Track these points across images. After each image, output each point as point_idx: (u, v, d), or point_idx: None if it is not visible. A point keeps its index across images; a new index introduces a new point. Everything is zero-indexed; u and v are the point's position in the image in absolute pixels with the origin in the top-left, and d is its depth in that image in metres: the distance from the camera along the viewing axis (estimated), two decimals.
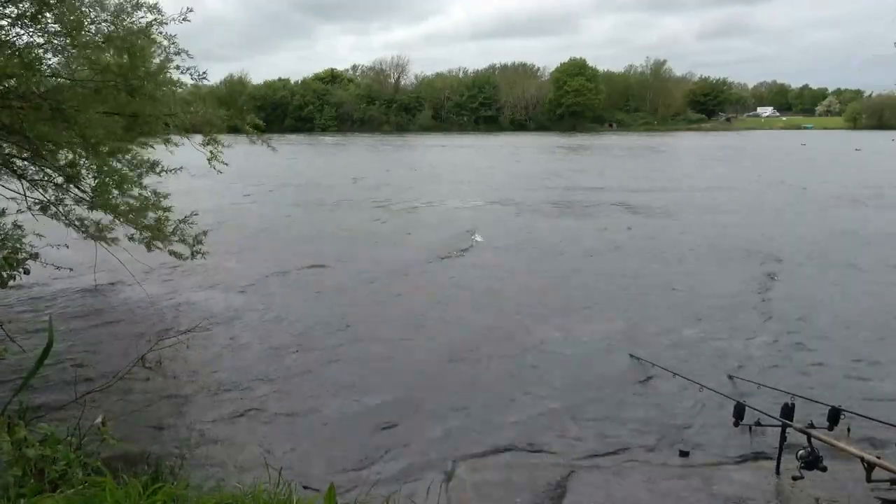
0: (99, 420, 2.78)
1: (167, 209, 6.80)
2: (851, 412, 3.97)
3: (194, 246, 6.81)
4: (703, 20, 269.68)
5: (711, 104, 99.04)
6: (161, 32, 5.70)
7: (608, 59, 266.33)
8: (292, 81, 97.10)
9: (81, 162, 6.24)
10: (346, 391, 5.66)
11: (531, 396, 5.54)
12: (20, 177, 6.30)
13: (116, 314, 7.88)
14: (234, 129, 6.75)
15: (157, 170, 6.62)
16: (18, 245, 4.62)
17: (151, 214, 6.62)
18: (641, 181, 23.82)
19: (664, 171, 29.56)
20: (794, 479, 3.84)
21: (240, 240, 12.67)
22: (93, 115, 5.20)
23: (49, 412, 4.48)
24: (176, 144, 7.00)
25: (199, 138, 6.77)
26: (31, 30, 4.95)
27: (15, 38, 4.95)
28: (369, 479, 4.14)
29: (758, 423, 4.08)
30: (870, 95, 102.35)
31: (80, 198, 6.48)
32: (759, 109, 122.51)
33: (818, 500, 3.92)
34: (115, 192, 6.27)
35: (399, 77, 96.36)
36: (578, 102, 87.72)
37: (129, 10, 5.30)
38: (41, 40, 5.02)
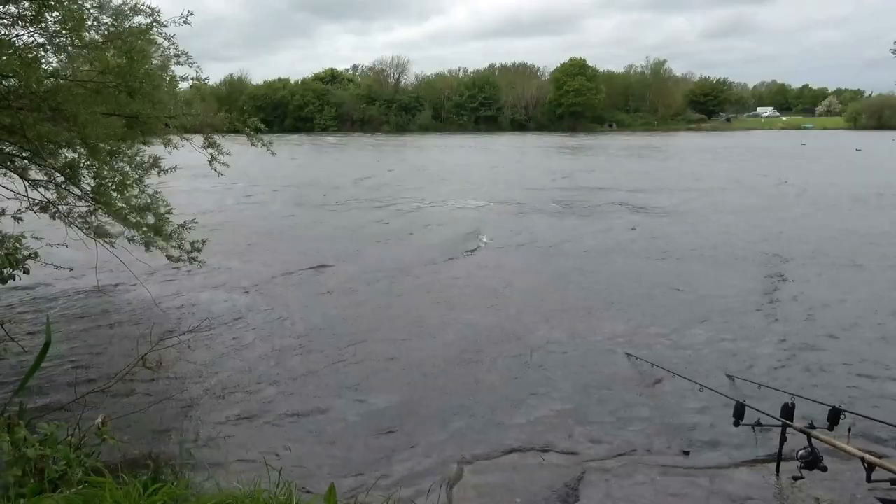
0: (99, 420, 2.78)
1: (167, 211, 6.81)
2: (852, 412, 3.97)
3: (191, 252, 6.81)
4: (707, 19, 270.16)
5: (711, 104, 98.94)
6: (161, 34, 5.71)
7: (613, 58, 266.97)
8: (292, 81, 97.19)
9: (81, 161, 6.24)
10: (348, 391, 5.66)
11: (532, 397, 5.54)
12: (21, 176, 6.31)
13: (117, 314, 7.88)
14: (235, 130, 6.76)
15: (157, 170, 6.63)
16: (18, 244, 4.61)
17: (151, 216, 6.62)
18: (644, 181, 23.82)
19: (666, 170, 29.56)
20: (795, 479, 3.84)
21: (242, 240, 12.67)
22: (93, 116, 5.20)
23: (49, 412, 4.47)
24: (176, 147, 7.00)
25: (199, 139, 6.78)
26: (30, 29, 4.94)
27: (15, 39, 4.94)
28: (370, 480, 4.14)
29: (758, 424, 4.08)
30: (870, 95, 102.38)
31: (81, 198, 6.49)
32: (760, 109, 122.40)
33: (818, 500, 3.92)
34: (115, 193, 6.27)
35: (399, 77, 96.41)
36: (578, 102, 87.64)
37: (128, 13, 5.30)
38: (41, 39, 5.02)
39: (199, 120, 6.35)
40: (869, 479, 3.18)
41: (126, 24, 5.30)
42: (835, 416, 3.80)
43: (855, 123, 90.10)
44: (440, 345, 6.83)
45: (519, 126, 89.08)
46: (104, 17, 5.23)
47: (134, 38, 5.27)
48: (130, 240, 6.72)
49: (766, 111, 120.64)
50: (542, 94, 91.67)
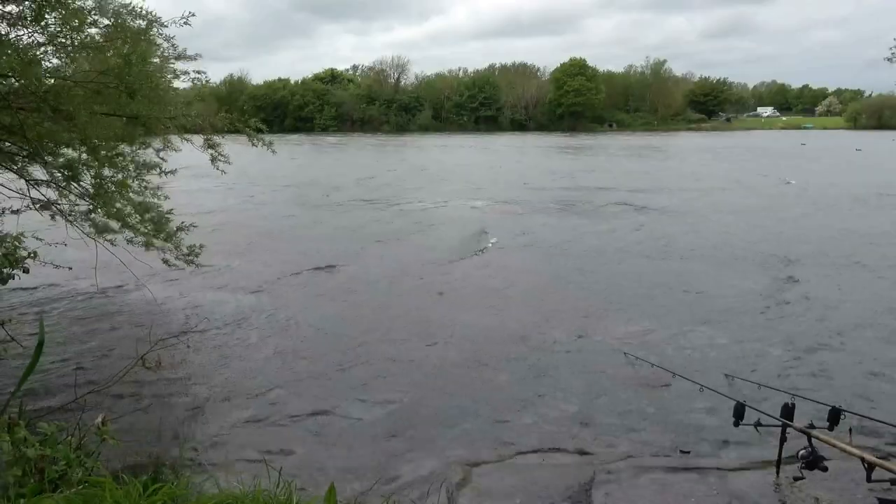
0: (99, 420, 2.78)
1: (166, 212, 6.81)
2: (852, 412, 3.96)
3: (189, 255, 6.81)
4: (707, 19, 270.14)
5: (711, 104, 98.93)
6: (161, 34, 5.71)
7: (613, 58, 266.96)
8: (292, 81, 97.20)
9: (81, 161, 6.25)
10: (349, 392, 5.66)
11: (532, 398, 5.54)
12: (20, 176, 6.31)
13: (117, 314, 7.88)
14: (236, 130, 6.76)
15: (157, 172, 6.63)
16: (17, 243, 4.61)
17: (150, 216, 6.63)
18: (644, 181, 23.82)
19: (666, 170, 29.56)
20: (795, 479, 3.84)
21: (243, 240, 12.67)
22: (93, 116, 5.20)
23: (49, 412, 4.47)
24: (175, 150, 7.00)
25: (200, 139, 6.78)
26: (29, 30, 4.95)
27: (15, 40, 4.94)
28: (370, 480, 4.14)
29: (758, 423, 4.07)
30: (870, 95, 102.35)
31: (81, 196, 6.49)
32: (760, 109, 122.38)
33: (818, 500, 3.92)
34: (115, 194, 6.28)
35: (399, 77, 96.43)
36: (578, 102, 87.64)
37: (127, 16, 5.30)
38: (42, 39, 5.02)
39: (199, 120, 6.34)
40: (869, 479, 3.18)
41: (126, 25, 5.29)
42: (835, 416, 3.80)
43: (855, 123, 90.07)
44: (442, 346, 6.83)
45: (519, 126, 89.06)
46: (104, 18, 5.23)
47: (134, 38, 5.27)
48: (129, 241, 6.72)
49: (766, 111, 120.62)
50: (542, 94, 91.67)
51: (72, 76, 5.29)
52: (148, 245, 6.75)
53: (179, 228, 6.80)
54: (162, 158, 6.72)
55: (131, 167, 6.58)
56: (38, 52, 5.05)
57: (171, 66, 6.02)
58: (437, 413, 5.24)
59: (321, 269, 10.26)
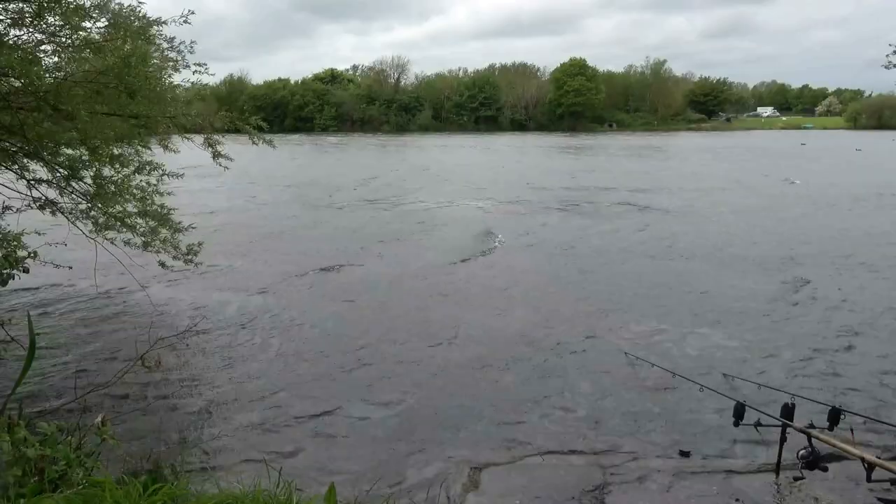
0: (99, 420, 2.78)
1: (167, 213, 6.80)
2: (852, 412, 3.97)
3: (188, 255, 6.81)
4: (707, 19, 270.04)
5: (711, 104, 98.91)
6: (161, 34, 5.71)
7: (613, 58, 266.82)
8: (292, 81, 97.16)
9: (82, 159, 6.25)
10: (351, 393, 5.66)
11: (535, 398, 5.54)
12: (20, 176, 6.30)
13: (118, 314, 7.88)
14: (236, 129, 6.76)
15: (159, 174, 6.63)
16: (17, 243, 4.61)
17: (150, 216, 6.62)
18: (645, 181, 23.82)
19: (667, 170, 29.55)
20: (795, 479, 3.84)
21: (245, 241, 12.66)
22: (93, 116, 5.20)
23: (49, 412, 4.47)
24: (175, 151, 7.00)
25: (201, 138, 6.78)
26: (29, 29, 4.95)
27: (15, 39, 4.95)
28: (371, 481, 4.13)
29: (758, 423, 4.08)
30: (870, 95, 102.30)
31: (81, 197, 6.49)
32: (760, 109, 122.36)
33: (818, 500, 3.92)
34: (114, 194, 6.27)
35: (399, 77, 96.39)
36: (578, 102, 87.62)
37: (126, 16, 5.30)
38: (42, 37, 5.02)
39: (199, 120, 6.34)
40: (869, 479, 3.18)
41: (125, 24, 5.29)
42: (835, 416, 3.80)
43: (855, 123, 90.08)
44: (447, 346, 6.82)
45: (519, 126, 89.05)
46: (103, 18, 5.23)
47: (134, 37, 5.27)
48: (126, 243, 6.71)
49: (766, 111, 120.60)
50: (542, 94, 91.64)
51: (72, 76, 5.29)
52: (146, 246, 6.74)
53: (177, 230, 6.79)
54: (160, 165, 6.70)
55: (132, 166, 6.57)
56: (38, 51, 5.06)
57: (171, 58, 5.98)
58: (441, 414, 5.24)
59: (324, 270, 10.25)
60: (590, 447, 4.69)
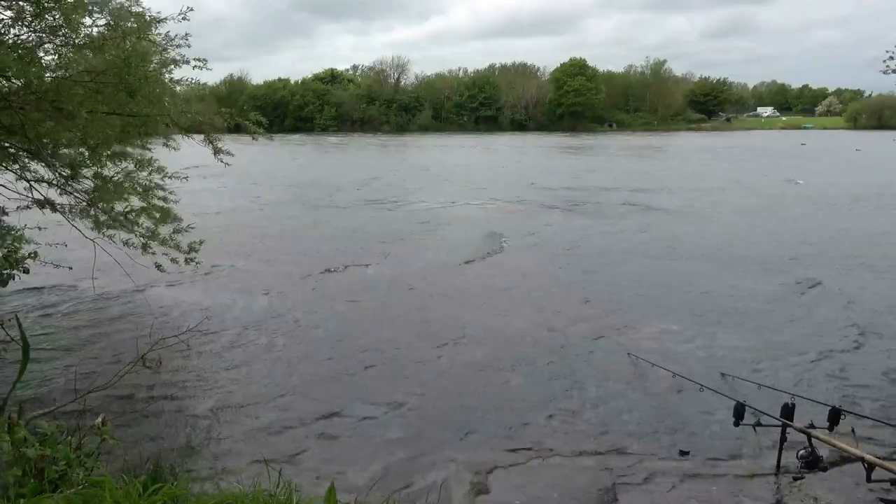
0: (99, 420, 2.78)
1: (167, 207, 6.80)
2: (852, 412, 3.97)
3: (189, 253, 6.81)
4: (707, 19, 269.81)
5: (711, 104, 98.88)
6: (159, 33, 5.71)
7: (613, 58, 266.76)
8: (292, 81, 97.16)
9: (82, 158, 6.25)
10: (353, 393, 5.65)
11: (536, 398, 5.54)
12: (20, 176, 6.31)
13: (117, 314, 7.88)
14: (236, 129, 6.75)
15: (161, 175, 6.64)
16: (17, 244, 4.61)
17: (149, 218, 6.62)
18: (645, 181, 23.82)
19: (667, 170, 29.55)
20: (795, 479, 3.85)
21: (249, 241, 12.65)
22: (93, 115, 5.20)
23: (49, 412, 4.47)
24: (175, 149, 6.99)
25: (200, 137, 6.78)
26: (29, 28, 4.95)
27: (14, 39, 4.94)
28: (374, 482, 4.13)
29: (758, 424, 4.08)
30: (870, 95, 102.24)
31: (81, 197, 6.49)
32: (760, 109, 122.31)
33: (818, 500, 3.92)
34: (115, 194, 6.27)
35: (399, 77, 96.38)
36: (578, 102, 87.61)
37: (125, 14, 5.30)
38: (42, 36, 5.02)
39: (198, 118, 6.33)
40: (869, 479, 3.18)
41: (124, 23, 5.29)
42: (835, 416, 3.80)
43: (855, 123, 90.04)
44: (450, 348, 6.80)
45: (519, 126, 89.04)
46: (103, 15, 5.24)
47: (133, 35, 5.27)
48: (126, 243, 6.71)
49: (766, 111, 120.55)
50: (542, 94, 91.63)
51: (72, 75, 5.29)
52: (146, 249, 6.73)
53: (177, 230, 6.79)
54: (162, 167, 6.69)
55: (132, 162, 6.57)
56: (37, 51, 5.06)
57: (171, 58, 5.98)
58: (446, 415, 5.23)
59: (328, 271, 10.22)
60: (585, 445, 4.69)
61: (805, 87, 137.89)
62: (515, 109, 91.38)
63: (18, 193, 6.37)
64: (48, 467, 2.33)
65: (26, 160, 6.25)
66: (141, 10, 5.44)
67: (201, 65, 5.98)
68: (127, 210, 6.57)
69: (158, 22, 5.56)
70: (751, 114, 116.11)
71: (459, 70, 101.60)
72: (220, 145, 6.70)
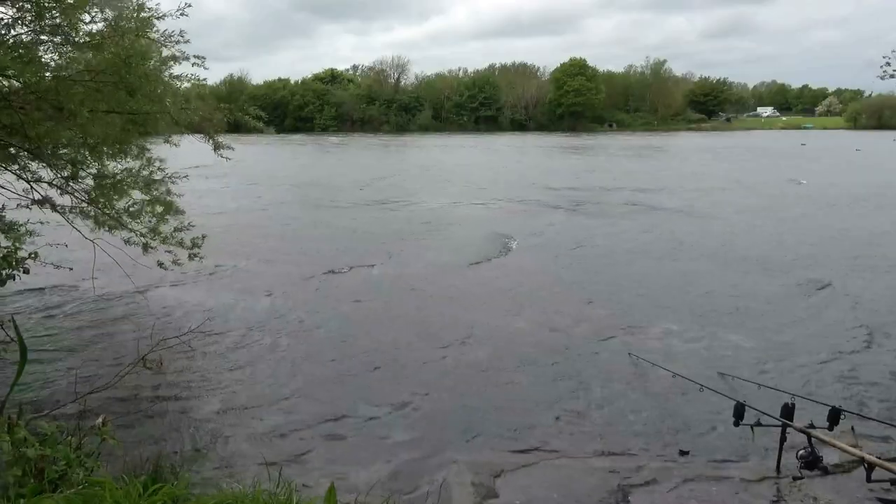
0: (99, 420, 2.77)
1: (166, 213, 6.79)
2: (852, 412, 3.96)
3: (192, 248, 6.80)
4: (707, 19, 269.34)
5: (711, 104, 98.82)
6: (158, 32, 5.71)
7: (613, 58, 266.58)
8: (292, 81, 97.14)
9: (82, 159, 6.25)
10: (354, 394, 5.65)
11: (541, 399, 5.54)
12: (20, 176, 6.31)
13: (118, 314, 7.88)
14: (237, 129, 6.75)
15: (161, 175, 6.64)
16: (17, 244, 4.60)
17: (149, 218, 6.62)
18: (646, 181, 23.82)
19: (667, 170, 29.55)
20: (795, 479, 3.84)
21: (252, 242, 12.64)
22: (93, 114, 5.20)
23: (49, 412, 4.47)
24: (175, 145, 6.98)
25: (201, 136, 6.77)
26: (30, 27, 4.95)
27: (13, 38, 4.95)
28: (377, 482, 4.13)
29: (758, 423, 4.07)
30: (870, 95, 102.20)
31: (81, 197, 6.49)
32: (760, 109, 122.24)
33: (818, 500, 3.91)
34: (115, 193, 6.27)
35: (399, 77, 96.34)
36: (578, 102, 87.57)
37: (128, 15, 5.30)
38: (42, 36, 5.02)
39: (198, 116, 6.33)
40: (869, 479, 3.18)
41: (123, 22, 5.30)
42: (835, 416, 3.80)
43: (855, 123, 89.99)
44: (454, 348, 6.79)
45: (519, 126, 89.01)
46: (104, 12, 5.24)
47: (132, 33, 5.27)
48: (126, 241, 6.71)
49: (766, 111, 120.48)
50: (542, 94, 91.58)
51: (72, 74, 5.29)
52: (146, 248, 6.73)
53: (178, 228, 6.78)
54: (163, 169, 6.69)
55: (132, 159, 6.57)
56: (38, 50, 5.06)
57: (170, 56, 5.98)
58: (450, 416, 5.23)
59: (331, 271, 10.21)
60: (585, 445, 4.69)
61: (805, 87, 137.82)
62: (515, 109, 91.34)
63: (18, 193, 6.36)
64: (48, 467, 2.33)
65: (26, 160, 6.25)
66: (141, 1, 5.44)
67: (199, 62, 5.98)
68: (129, 205, 6.56)
69: (157, 18, 5.56)
70: (751, 114, 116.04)
71: (459, 70, 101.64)
72: (220, 140, 6.69)
